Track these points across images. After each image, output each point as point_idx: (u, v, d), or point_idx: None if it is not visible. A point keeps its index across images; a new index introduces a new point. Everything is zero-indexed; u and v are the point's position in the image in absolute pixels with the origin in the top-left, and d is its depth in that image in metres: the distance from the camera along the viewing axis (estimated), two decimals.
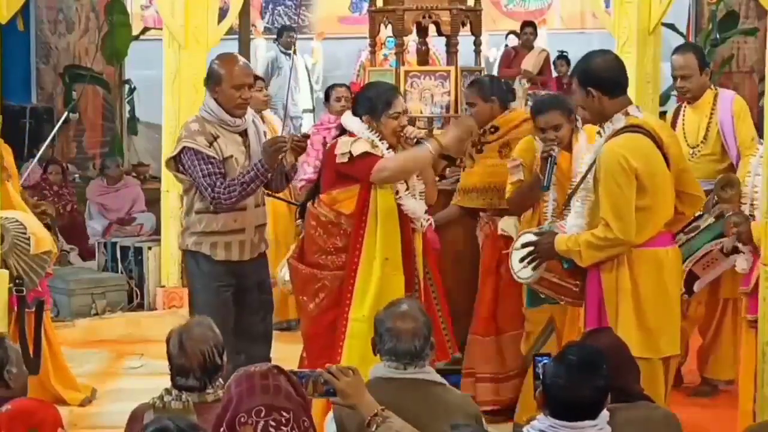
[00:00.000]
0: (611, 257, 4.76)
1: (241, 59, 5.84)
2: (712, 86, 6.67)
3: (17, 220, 6.04)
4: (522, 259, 5.01)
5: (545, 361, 3.91)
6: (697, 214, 5.65)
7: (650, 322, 4.79)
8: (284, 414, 3.42)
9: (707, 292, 6.36)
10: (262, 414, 3.40)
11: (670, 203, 4.89)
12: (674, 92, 6.57)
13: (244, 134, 5.74)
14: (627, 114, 4.83)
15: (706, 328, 6.65)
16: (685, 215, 5.06)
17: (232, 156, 5.63)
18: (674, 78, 6.57)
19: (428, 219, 5.50)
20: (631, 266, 4.78)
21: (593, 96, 4.82)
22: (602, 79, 4.84)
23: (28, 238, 6.01)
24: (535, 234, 5.06)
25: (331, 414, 3.89)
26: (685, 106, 6.62)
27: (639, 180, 4.72)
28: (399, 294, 5.17)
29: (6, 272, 5.80)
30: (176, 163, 5.66)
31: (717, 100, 6.52)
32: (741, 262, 5.42)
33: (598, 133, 4.91)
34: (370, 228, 5.33)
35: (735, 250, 5.69)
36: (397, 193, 5.37)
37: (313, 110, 15.38)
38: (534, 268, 5.01)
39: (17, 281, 5.97)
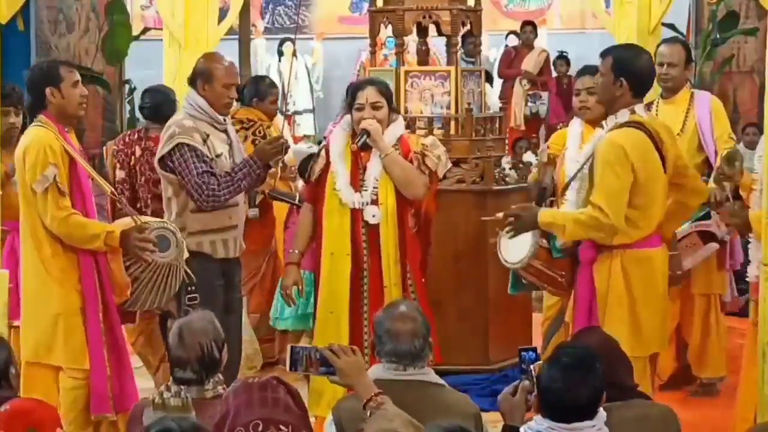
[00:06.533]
0: (593, 239, 4.80)
1: (227, 59, 5.83)
2: (689, 85, 6.75)
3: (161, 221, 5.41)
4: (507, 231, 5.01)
5: (531, 355, 3.90)
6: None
7: (642, 322, 4.84)
8: (282, 428, 3.37)
9: (680, 289, 6.35)
10: (260, 428, 3.35)
11: (663, 205, 4.91)
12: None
13: (225, 132, 5.76)
14: (633, 111, 4.87)
15: (687, 328, 6.64)
16: (688, 206, 5.12)
17: (221, 154, 5.64)
18: (659, 65, 6.59)
19: (365, 203, 5.45)
20: (624, 267, 4.82)
21: (620, 85, 4.85)
22: (640, 78, 4.91)
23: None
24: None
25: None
26: (657, 101, 6.65)
27: (634, 175, 4.76)
28: (343, 289, 5.40)
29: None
30: (164, 161, 5.60)
31: (693, 98, 6.59)
32: (753, 270, 5.36)
33: (600, 126, 4.95)
34: (323, 223, 5.50)
35: (712, 238, 5.70)
36: (335, 184, 5.46)
37: (313, 110, 15.39)
38: (511, 237, 5.00)
39: (189, 288, 5.41)
